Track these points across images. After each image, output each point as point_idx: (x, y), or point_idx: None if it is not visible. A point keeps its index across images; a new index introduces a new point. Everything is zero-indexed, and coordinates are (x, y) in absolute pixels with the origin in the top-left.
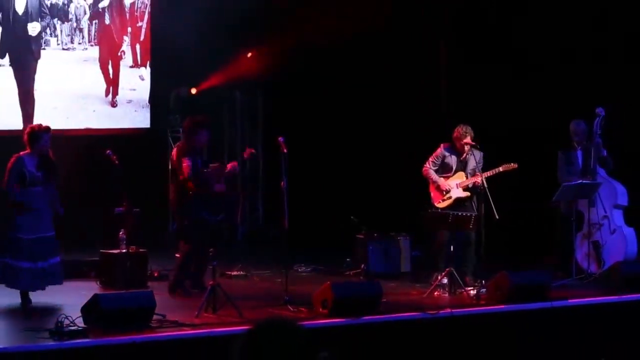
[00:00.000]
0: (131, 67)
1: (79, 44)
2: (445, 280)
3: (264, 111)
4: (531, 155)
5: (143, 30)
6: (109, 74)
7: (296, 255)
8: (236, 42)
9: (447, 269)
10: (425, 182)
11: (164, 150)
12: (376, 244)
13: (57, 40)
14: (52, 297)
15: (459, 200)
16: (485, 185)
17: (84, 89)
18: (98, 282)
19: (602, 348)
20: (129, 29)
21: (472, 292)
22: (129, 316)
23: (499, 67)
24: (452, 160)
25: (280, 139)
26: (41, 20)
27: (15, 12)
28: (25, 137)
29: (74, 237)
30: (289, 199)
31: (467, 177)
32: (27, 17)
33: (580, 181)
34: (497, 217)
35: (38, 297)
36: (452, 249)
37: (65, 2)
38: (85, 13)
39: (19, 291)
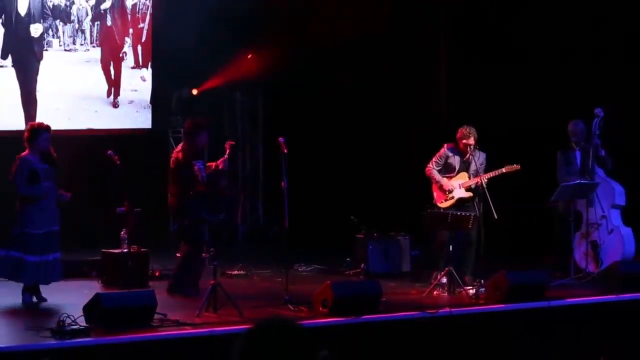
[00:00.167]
0: (133, 68)
1: (81, 45)
2: (444, 280)
3: (264, 111)
4: (530, 156)
5: (144, 32)
6: (111, 75)
7: (296, 255)
8: (237, 43)
9: (447, 269)
10: (425, 181)
11: (165, 150)
12: (376, 243)
13: (59, 42)
14: (54, 297)
15: (461, 200)
16: (484, 185)
17: (85, 90)
18: (99, 282)
19: (601, 347)
20: (131, 30)
21: (471, 291)
22: (130, 315)
23: (499, 67)
24: (455, 160)
25: (281, 139)
26: (43, 22)
27: (17, 13)
28: (25, 134)
29: (76, 236)
30: (289, 198)
31: (469, 178)
32: (30, 18)
33: (578, 181)
34: (495, 217)
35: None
36: (451, 249)
37: (68, 3)
38: (87, 14)
39: (20, 291)
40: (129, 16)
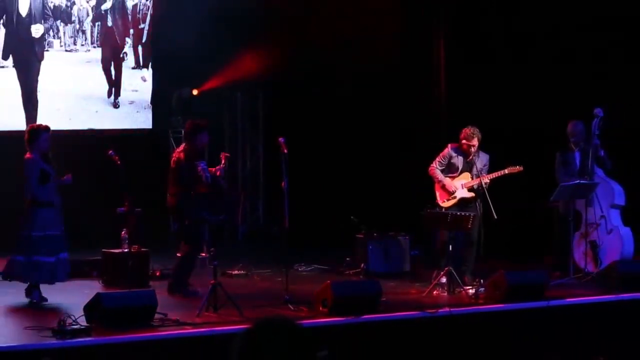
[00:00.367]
0: (133, 68)
1: (82, 45)
2: (444, 280)
3: (264, 111)
4: (530, 156)
5: (145, 32)
6: (111, 75)
7: (296, 255)
8: (237, 43)
9: (446, 268)
10: (424, 181)
11: (165, 150)
12: (376, 243)
13: (60, 42)
14: (55, 296)
15: (463, 200)
16: (484, 185)
17: (86, 90)
18: (100, 281)
19: (599, 347)
20: (131, 31)
21: (470, 291)
22: (131, 315)
23: (499, 67)
24: (459, 160)
25: (281, 139)
26: (44, 22)
27: (18, 14)
28: (26, 136)
29: (77, 236)
30: (290, 198)
31: (472, 178)
32: (31, 19)
33: (578, 181)
34: (495, 216)
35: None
36: (450, 249)
37: (68, 4)
38: (87, 15)
39: (22, 290)
40: (130, 17)
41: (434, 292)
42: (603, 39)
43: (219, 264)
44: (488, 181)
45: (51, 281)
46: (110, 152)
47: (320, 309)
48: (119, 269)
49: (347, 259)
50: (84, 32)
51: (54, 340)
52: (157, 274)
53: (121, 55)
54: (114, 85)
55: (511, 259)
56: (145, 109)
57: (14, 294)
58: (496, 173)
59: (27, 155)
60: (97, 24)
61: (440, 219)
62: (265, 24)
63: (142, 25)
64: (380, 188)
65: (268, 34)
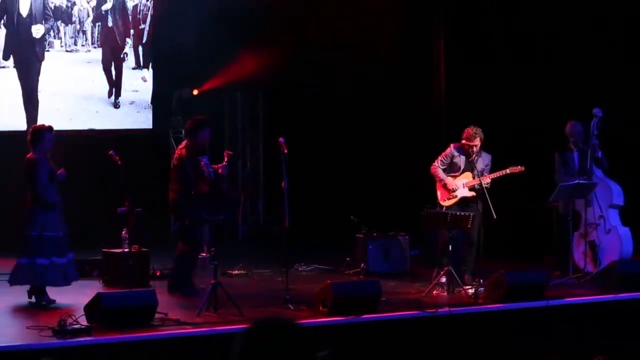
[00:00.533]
0: (134, 68)
1: (82, 46)
2: (443, 280)
3: (264, 111)
4: (530, 156)
5: (145, 33)
6: (112, 75)
7: (296, 255)
8: (237, 43)
9: (446, 268)
10: (424, 181)
11: (165, 150)
12: (376, 243)
13: (61, 42)
14: (55, 296)
15: (464, 199)
16: (484, 185)
17: (87, 91)
18: (101, 281)
19: (599, 346)
20: (132, 31)
21: (470, 291)
22: (131, 315)
23: (499, 67)
24: (461, 160)
25: (281, 139)
26: (45, 23)
27: (19, 14)
28: (29, 137)
29: (77, 236)
30: (290, 198)
31: (474, 178)
32: (31, 19)
33: (577, 181)
34: (495, 216)
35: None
36: (450, 249)
37: (69, 4)
38: (88, 15)
39: (23, 290)
40: (130, 17)
41: (434, 292)
42: (603, 39)
43: (219, 264)
44: (489, 181)
45: (66, 282)
46: (111, 152)
47: (320, 309)
48: (119, 269)
49: (347, 259)
50: (84, 32)
51: (54, 340)
52: (158, 273)
53: (121, 56)
54: (115, 85)
55: (511, 259)
56: (145, 109)
57: (15, 294)
58: (498, 173)
59: (31, 155)
60: (97, 24)
61: (440, 219)
62: (265, 24)
63: (142, 26)
64: (380, 188)
65: (268, 34)
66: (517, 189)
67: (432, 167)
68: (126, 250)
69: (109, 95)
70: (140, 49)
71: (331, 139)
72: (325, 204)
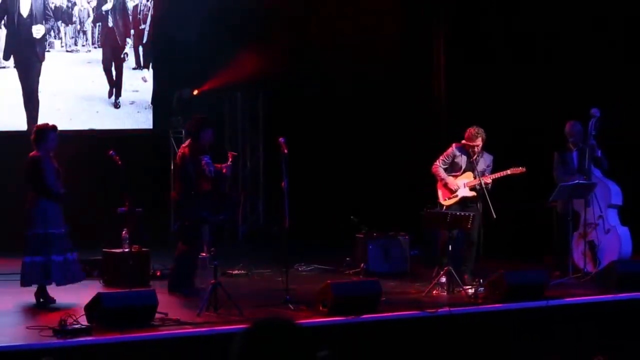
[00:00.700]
0: (134, 69)
1: (83, 46)
2: (443, 279)
3: (264, 111)
4: (530, 156)
5: (146, 33)
6: (112, 75)
7: (296, 255)
8: (237, 44)
9: (446, 268)
10: (424, 181)
11: (166, 150)
12: (376, 243)
13: (61, 43)
14: (56, 296)
15: (465, 199)
16: (484, 185)
17: (87, 91)
18: (101, 281)
19: (599, 346)
20: (132, 32)
21: (470, 291)
22: (131, 314)
23: (498, 67)
24: (462, 160)
25: (281, 139)
26: (45, 23)
27: (20, 15)
28: (33, 136)
29: (77, 236)
30: (290, 198)
31: (474, 178)
32: (32, 19)
33: (577, 181)
34: (494, 216)
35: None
36: (450, 249)
37: (69, 5)
38: (88, 16)
39: (23, 290)
40: (130, 17)
41: (434, 292)
42: (603, 39)
43: (219, 264)
44: (490, 181)
45: (73, 280)
46: (111, 152)
47: (320, 309)
48: (119, 269)
49: (347, 259)
50: (84, 32)
51: (54, 340)
52: (158, 273)
53: (122, 56)
54: (115, 85)
55: (511, 259)
56: (145, 109)
57: (15, 293)
58: (499, 173)
59: (35, 153)
60: (97, 24)
61: (440, 219)
62: (265, 24)
63: (142, 26)
64: (380, 188)
65: (268, 34)
66: (517, 189)
67: (433, 167)
68: (126, 250)
69: (109, 95)
70: (140, 49)
71: (331, 139)
72: (325, 204)
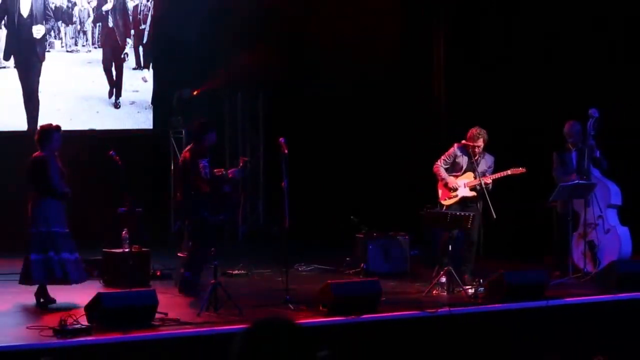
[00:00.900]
0: (134, 69)
1: (83, 46)
2: (443, 279)
3: (264, 112)
4: (529, 156)
5: (146, 33)
6: (112, 75)
7: (296, 255)
8: (236, 43)
9: (446, 268)
10: (424, 181)
11: (166, 151)
12: (376, 243)
13: (61, 43)
14: (56, 296)
15: (465, 199)
16: (484, 185)
17: (87, 91)
18: (101, 281)
19: (599, 346)
20: (132, 32)
21: (470, 291)
22: (131, 314)
23: (498, 68)
24: (464, 160)
25: (281, 139)
26: (46, 23)
27: (20, 15)
28: (37, 137)
29: (77, 236)
30: (290, 198)
31: (475, 178)
32: (32, 20)
33: (577, 181)
34: (494, 216)
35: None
36: (450, 249)
37: (70, 5)
38: (89, 16)
39: (23, 290)
40: (131, 17)
41: (434, 292)
42: (603, 39)
43: (219, 264)
44: (490, 182)
45: (77, 280)
46: (111, 152)
47: (320, 309)
48: (119, 269)
49: (347, 259)
50: (85, 32)
51: (54, 340)
52: (158, 273)
53: (122, 56)
54: (115, 85)
55: (511, 259)
56: (146, 109)
57: (15, 293)
58: (499, 174)
59: (39, 153)
60: (98, 24)
61: (440, 219)
62: (265, 24)
63: (142, 26)
64: (380, 188)
65: (268, 34)
66: (517, 189)
67: (434, 166)
68: (126, 250)
69: (110, 95)
70: (140, 49)
71: (331, 139)
72: (325, 204)
